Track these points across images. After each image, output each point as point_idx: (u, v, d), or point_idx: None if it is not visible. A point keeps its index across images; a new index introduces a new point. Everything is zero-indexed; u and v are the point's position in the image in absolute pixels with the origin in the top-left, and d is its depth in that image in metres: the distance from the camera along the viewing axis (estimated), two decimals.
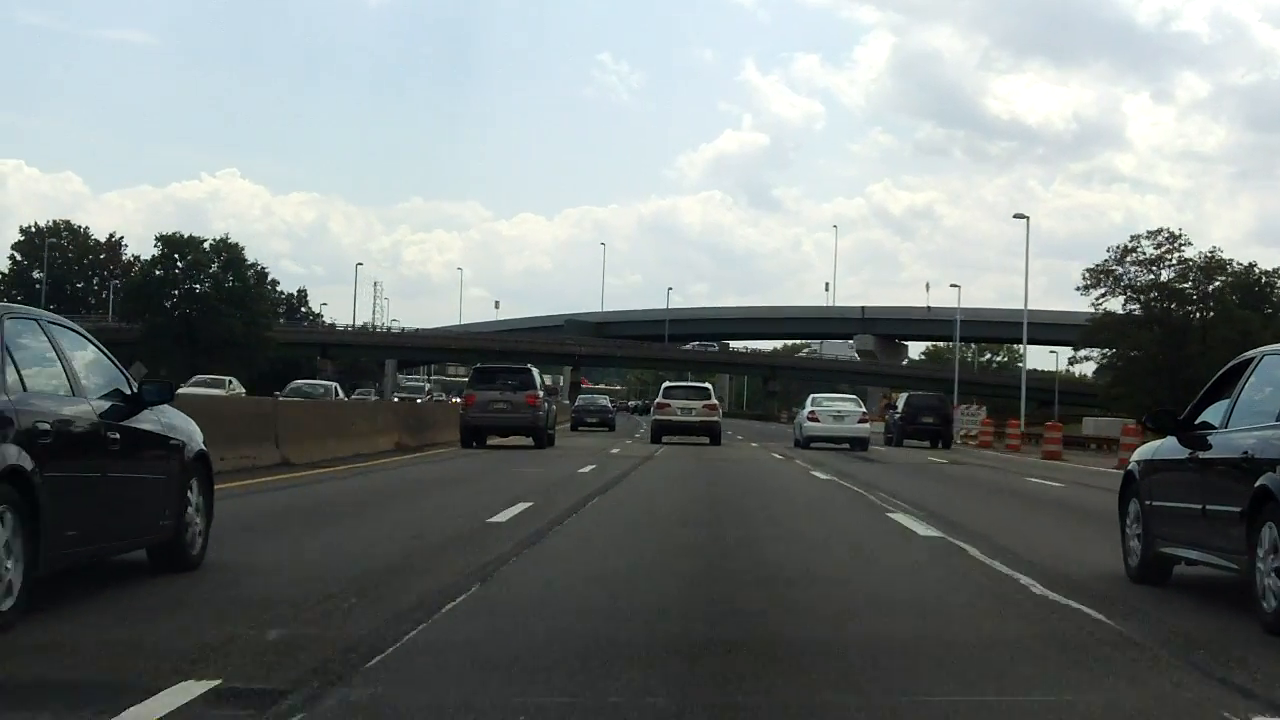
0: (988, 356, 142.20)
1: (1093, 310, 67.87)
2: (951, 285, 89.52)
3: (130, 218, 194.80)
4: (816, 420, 34.46)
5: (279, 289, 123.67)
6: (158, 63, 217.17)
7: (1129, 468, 9.03)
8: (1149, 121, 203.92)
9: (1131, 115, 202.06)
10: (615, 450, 28.90)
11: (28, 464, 5.88)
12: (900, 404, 43.34)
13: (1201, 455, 7.71)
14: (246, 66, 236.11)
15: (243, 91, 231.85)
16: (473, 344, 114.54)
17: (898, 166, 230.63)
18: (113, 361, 7.54)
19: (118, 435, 7.01)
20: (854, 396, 38.74)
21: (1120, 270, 67.50)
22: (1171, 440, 8.30)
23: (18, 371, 6.21)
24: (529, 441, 28.94)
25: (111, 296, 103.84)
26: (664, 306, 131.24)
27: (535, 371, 31.33)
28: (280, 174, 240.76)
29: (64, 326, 7.15)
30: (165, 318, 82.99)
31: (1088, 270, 68.52)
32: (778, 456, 28.93)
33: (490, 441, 29.15)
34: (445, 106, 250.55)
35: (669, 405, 34.88)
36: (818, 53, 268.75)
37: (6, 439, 5.79)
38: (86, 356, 7.20)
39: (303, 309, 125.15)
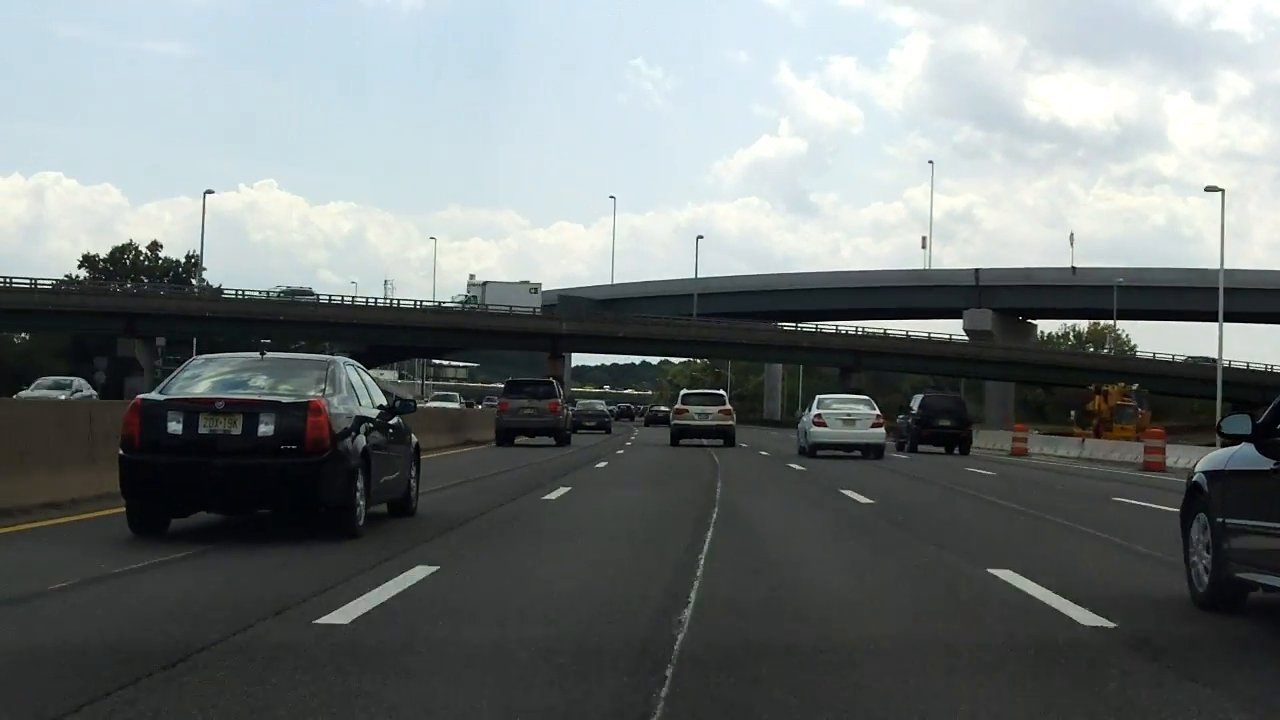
0: (1091, 346, 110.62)
1: None
2: (1208, 188, 62.48)
3: (168, 229, 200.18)
4: (823, 425, 31.84)
5: (161, 254, 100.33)
6: (195, 75, 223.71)
7: (1194, 480, 7.99)
8: (1191, 122, 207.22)
9: (1173, 116, 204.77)
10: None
11: (367, 444, 10.88)
12: (915, 405, 41.24)
13: None
14: (284, 78, 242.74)
15: (280, 103, 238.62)
16: (396, 320, 79.86)
17: (936, 170, 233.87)
18: (378, 385, 12.53)
19: (391, 430, 12.02)
20: (866, 398, 35.60)
21: None
22: (1247, 448, 7.44)
23: (356, 394, 11.23)
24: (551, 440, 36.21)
25: None
26: (691, 276, 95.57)
27: (556, 383, 39.27)
28: (318, 184, 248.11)
29: (360, 367, 12.20)
30: None
31: None
32: None
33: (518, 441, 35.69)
34: (481, 115, 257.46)
35: (687, 410, 38.80)
36: (854, 55, 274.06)
37: (362, 431, 10.82)
38: (369, 382, 12.19)
39: (194, 282, 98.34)
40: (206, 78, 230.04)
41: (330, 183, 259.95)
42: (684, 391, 44.87)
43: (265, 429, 10.02)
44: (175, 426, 10.05)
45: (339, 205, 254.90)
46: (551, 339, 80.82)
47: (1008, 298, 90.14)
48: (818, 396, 35.53)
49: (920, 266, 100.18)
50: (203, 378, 11.06)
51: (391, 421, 12.18)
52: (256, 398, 10.35)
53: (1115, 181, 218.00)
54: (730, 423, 38.69)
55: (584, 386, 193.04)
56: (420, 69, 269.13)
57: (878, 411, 32.94)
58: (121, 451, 10.19)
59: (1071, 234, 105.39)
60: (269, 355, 11.54)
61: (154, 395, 10.54)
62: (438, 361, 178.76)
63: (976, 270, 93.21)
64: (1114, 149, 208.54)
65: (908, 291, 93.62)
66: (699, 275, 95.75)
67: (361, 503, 10.74)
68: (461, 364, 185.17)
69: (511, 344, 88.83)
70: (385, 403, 12.29)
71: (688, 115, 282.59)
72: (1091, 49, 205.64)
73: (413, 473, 12.95)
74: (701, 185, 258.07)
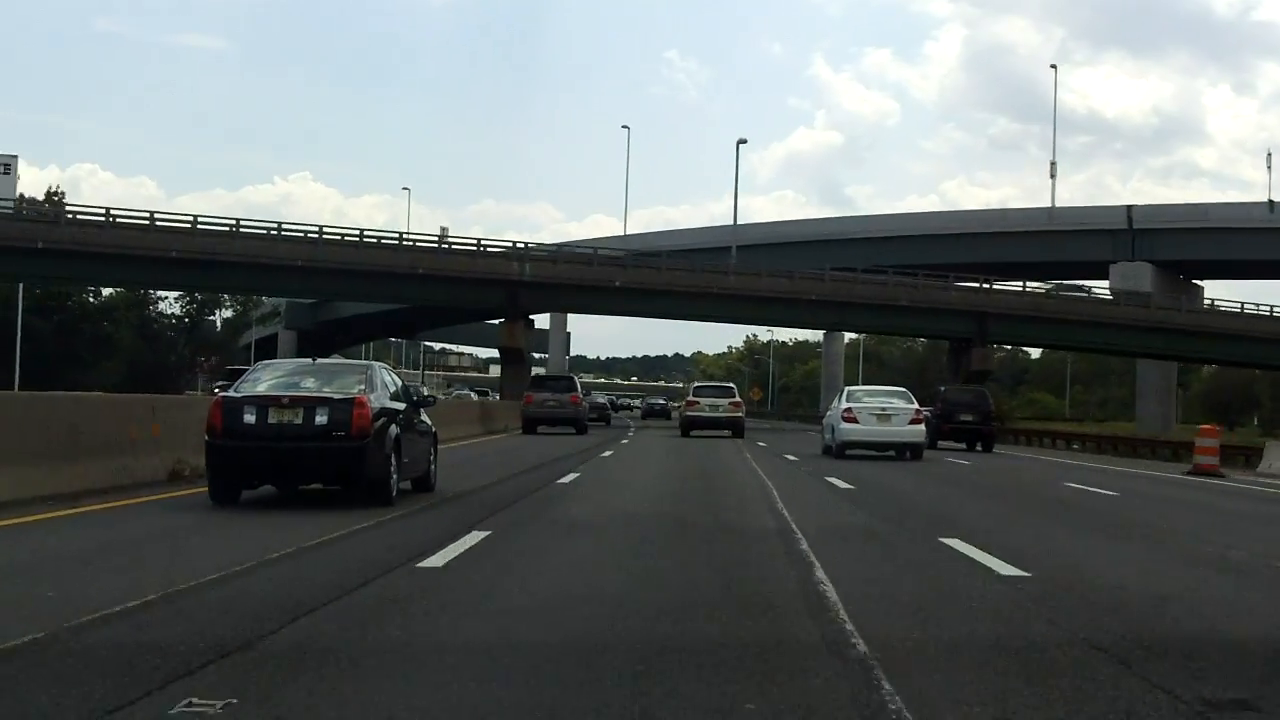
0: None
1: None
2: None
3: None
4: (854, 421, 28.70)
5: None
6: (231, 68, 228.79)
7: None
8: (1230, 114, 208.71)
9: (1211, 108, 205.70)
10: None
11: (399, 432, 13.86)
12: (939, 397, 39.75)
13: None
14: (319, 71, 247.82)
15: (315, 96, 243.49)
16: (258, 254, 54.04)
17: (971, 163, 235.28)
18: (402, 382, 15.51)
19: (416, 421, 15.03)
20: (903, 390, 32.44)
21: None
22: None
23: (388, 392, 14.24)
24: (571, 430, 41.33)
25: None
26: (729, 224, 73.44)
27: (576, 380, 45.45)
28: (352, 177, 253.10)
29: (388, 368, 15.21)
30: None
31: None
32: None
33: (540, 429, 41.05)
34: (514, 109, 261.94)
35: (698, 403, 42.04)
36: (889, 47, 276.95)
37: (394, 422, 13.82)
38: (399, 382, 15.19)
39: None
40: (241, 72, 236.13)
41: (364, 176, 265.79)
42: (695, 384, 49.25)
43: (321, 419, 13.06)
44: (249, 418, 13.09)
45: (373, 198, 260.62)
46: (507, 290, 57.24)
47: (1173, 247, 68.12)
48: (846, 388, 33.09)
49: (1044, 205, 74.93)
50: (263, 380, 14.09)
51: (417, 414, 15.18)
52: (314, 394, 13.42)
53: (1153, 174, 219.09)
54: (739, 415, 41.52)
55: (610, 379, 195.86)
56: (453, 63, 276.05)
57: (916, 405, 30.01)
58: (207, 437, 13.24)
59: (1269, 154, 70.22)
60: (318, 361, 14.61)
61: (231, 394, 13.59)
62: (456, 348, 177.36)
63: (1128, 208, 70.60)
64: (1152, 142, 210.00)
65: (1030, 240, 70.59)
66: (737, 221, 71.54)
67: (395, 477, 13.76)
68: (467, 349, 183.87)
69: (467, 291, 58.95)
70: (412, 399, 15.31)
71: (722, 108, 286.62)
72: (1130, 41, 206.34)
73: (431, 456, 15.97)
74: (731, 178, 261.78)
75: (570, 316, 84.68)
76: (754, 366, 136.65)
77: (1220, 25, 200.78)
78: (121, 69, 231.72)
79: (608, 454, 27.84)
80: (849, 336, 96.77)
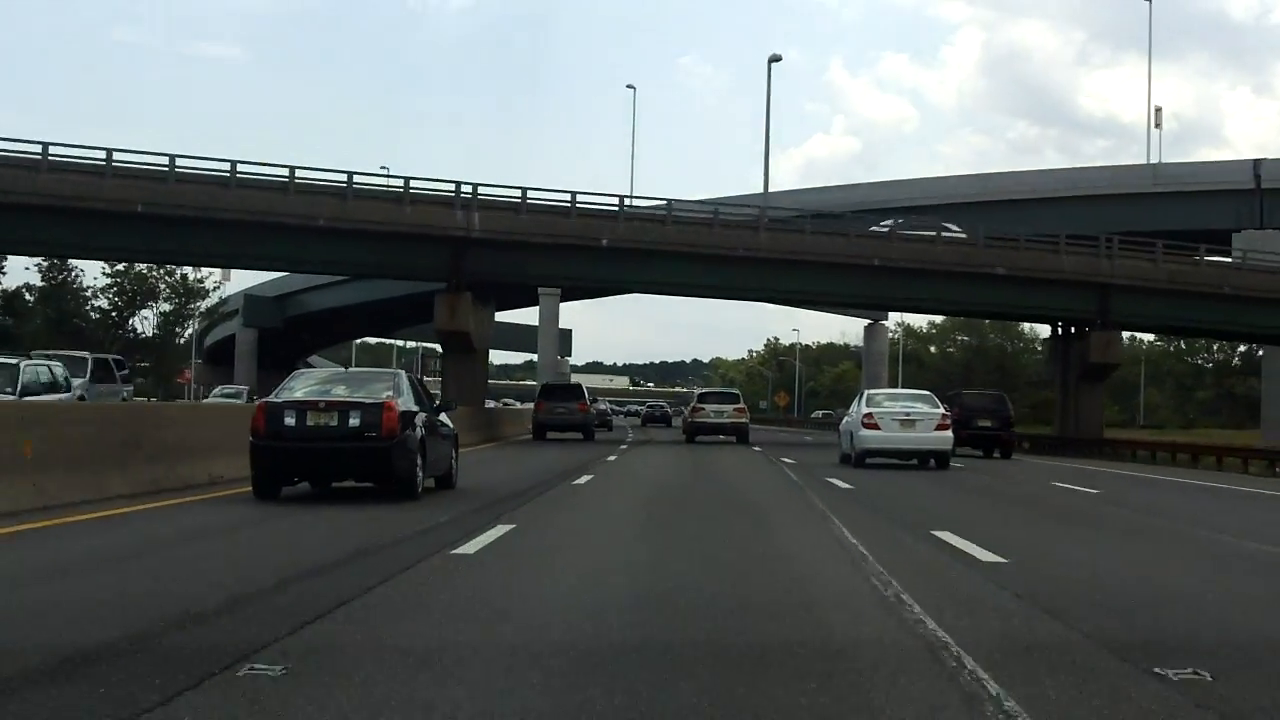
0: None
1: None
2: None
3: None
4: (876, 427, 27.10)
5: None
6: (248, 77, 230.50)
7: None
8: (1250, 117, 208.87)
9: (1230, 111, 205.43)
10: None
11: (423, 433, 15.13)
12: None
13: None
14: (332, 79, 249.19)
15: (331, 103, 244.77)
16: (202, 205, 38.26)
17: (989, 167, 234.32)
18: (425, 388, 16.79)
19: (437, 424, 16.33)
20: (927, 393, 30.38)
21: None
22: None
23: (414, 397, 15.53)
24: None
25: None
26: (760, 190, 59.80)
27: (584, 388, 47.78)
28: None
29: (414, 375, 16.50)
30: None
31: None
32: None
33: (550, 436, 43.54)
34: (530, 116, 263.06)
35: (703, 409, 43.19)
36: (906, 52, 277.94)
37: (419, 424, 15.12)
38: (422, 388, 16.49)
39: None
40: (259, 80, 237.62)
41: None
42: (700, 390, 50.33)
43: (354, 421, 14.40)
44: (289, 420, 14.42)
45: None
46: (449, 249, 42.00)
47: None
48: (867, 392, 30.75)
49: (1138, 161, 62.73)
50: (299, 388, 15.42)
51: (439, 418, 16.49)
52: (347, 399, 14.76)
53: None
54: (744, 420, 42.81)
55: (624, 385, 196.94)
56: (467, 71, 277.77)
57: (943, 410, 28.27)
58: (251, 439, 14.53)
59: None
60: (350, 370, 15.92)
61: (273, 399, 14.89)
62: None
63: (1256, 163, 57.90)
64: (1170, 145, 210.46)
65: (1129, 203, 57.70)
66: (769, 187, 58.80)
67: (420, 475, 15.08)
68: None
69: (352, 257, 42.98)
70: (434, 404, 16.61)
71: (739, 113, 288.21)
72: (1149, 43, 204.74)
73: (453, 456, 17.24)
74: (753, 184, 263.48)
75: (567, 311, 75.81)
76: (778, 370, 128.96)
77: (1239, 28, 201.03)
78: (139, 79, 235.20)
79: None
80: (892, 330, 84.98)
